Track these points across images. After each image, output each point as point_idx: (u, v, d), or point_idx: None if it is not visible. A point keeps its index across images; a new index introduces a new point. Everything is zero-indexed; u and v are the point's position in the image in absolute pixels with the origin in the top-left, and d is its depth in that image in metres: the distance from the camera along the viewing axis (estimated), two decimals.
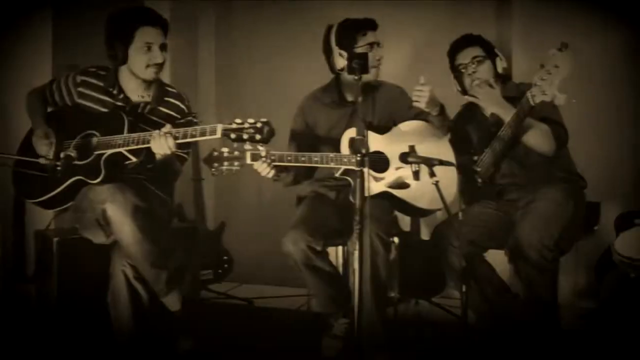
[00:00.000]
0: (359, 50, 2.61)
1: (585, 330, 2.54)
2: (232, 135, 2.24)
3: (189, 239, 3.34)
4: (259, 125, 2.23)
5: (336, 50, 2.71)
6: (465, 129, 2.79)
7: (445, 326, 3.04)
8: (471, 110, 2.77)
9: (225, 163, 2.49)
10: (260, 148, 2.41)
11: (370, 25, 2.70)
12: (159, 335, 2.50)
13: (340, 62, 2.71)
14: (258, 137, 2.23)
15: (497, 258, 2.66)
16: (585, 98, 2.19)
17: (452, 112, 2.82)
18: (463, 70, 2.66)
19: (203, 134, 2.29)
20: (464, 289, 2.16)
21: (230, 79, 3.96)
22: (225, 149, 2.50)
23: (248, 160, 2.49)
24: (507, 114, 2.45)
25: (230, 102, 3.89)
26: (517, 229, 2.49)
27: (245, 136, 2.23)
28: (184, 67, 3.92)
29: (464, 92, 2.69)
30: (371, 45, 2.66)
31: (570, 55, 2.13)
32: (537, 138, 2.47)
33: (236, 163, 2.49)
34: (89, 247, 2.48)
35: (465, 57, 2.66)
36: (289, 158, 2.52)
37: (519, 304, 2.54)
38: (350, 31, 2.69)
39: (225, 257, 3.48)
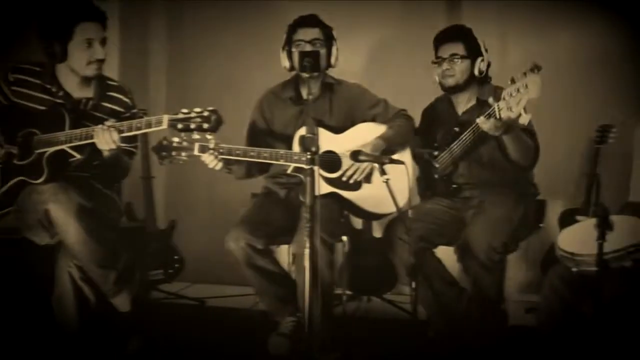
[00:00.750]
0: (299, 47, 2.62)
1: (531, 325, 2.61)
2: (179, 126, 2.20)
3: (138, 238, 3.30)
4: (206, 114, 2.20)
5: (281, 50, 2.71)
6: (433, 122, 2.82)
7: (396, 323, 3.08)
8: (443, 105, 2.81)
9: (173, 153, 2.46)
10: (209, 137, 2.37)
11: (309, 21, 2.69)
12: (108, 337, 2.45)
13: (284, 60, 2.70)
14: (206, 125, 2.19)
15: (447, 254, 2.72)
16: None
17: (424, 102, 2.86)
18: (440, 64, 2.67)
19: (148, 125, 2.25)
20: (413, 285, 2.19)
21: (182, 73, 3.89)
22: (175, 139, 2.47)
23: (196, 152, 2.46)
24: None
25: (182, 97, 3.83)
26: (467, 230, 2.54)
27: (192, 125, 2.20)
28: (134, 62, 3.84)
29: (439, 82, 2.72)
30: (312, 42, 2.65)
31: (540, 79, 2.13)
32: (521, 151, 2.49)
33: (184, 153, 2.46)
34: (33, 249, 2.40)
35: (445, 51, 2.67)
36: (237, 152, 2.50)
37: (466, 299, 2.60)
38: (291, 28, 2.69)
39: (176, 257, 3.43)
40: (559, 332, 2.00)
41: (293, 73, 2.77)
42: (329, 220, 2.49)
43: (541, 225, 2.76)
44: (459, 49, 2.65)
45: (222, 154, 2.47)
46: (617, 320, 1.81)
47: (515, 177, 2.65)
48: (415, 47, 3.46)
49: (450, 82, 2.67)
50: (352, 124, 2.73)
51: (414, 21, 3.53)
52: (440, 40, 2.70)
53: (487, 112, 2.34)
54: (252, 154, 2.52)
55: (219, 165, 2.50)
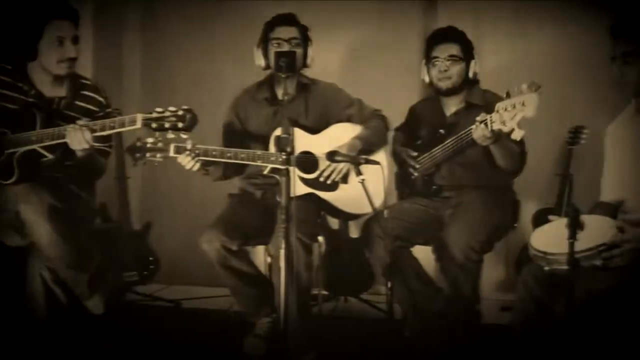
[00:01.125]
0: (277, 46, 2.60)
1: (507, 323, 2.64)
2: (154, 125, 2.18)
3: (112, 239, 3.25)
4: (180, 113, 2.18)
5: (255, 49, 2.69)
6: (418, 121, 2.82)
7: (373, 322, 3.08)
8: (432, 105, 2.81)
9: (148, 154, 2.43)
10: (184, 136, 2.32)
11: (287, 20, 2.68)
12: (81, 340, 2.42)
13: (259, 59, 2.69)
14: (180, 124, 2.18)
15: (424, 253, 2.73)
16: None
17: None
18: (436, 63, 2.65)
19: (122, 124, 2.22)
20: (389, 284, 2.20)
21: (157, 72, 3.85)
22: (149, 139, 2.44)
23: (171, 153, 2.44)
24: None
25: (157, 96, 3.79)
26: (446, 230, 2.56)
27: (167, 125, 2.18)
28: (108, 61, 3.79)
29: (430, 83, 2.71)
30: (289, 41, 2.64)
31: (537, 98, 2.13)
32: (508, 158, 2.51)
33: (159, 155, 2.43)
34: (4, 250, 2.36)
35: (442, 51, 2.64)
36: (214, 153, 2.48)
37: (442, 298, 2.62)
38: (268, 26, 2.68)
39: (151, 258, 3.39)
40: (533, 330, 2.02)
41: (268, 72, 2.76)
42: (306, 221, 2.49)
43: (515, 225, 2.79)
44: (455, 50, 2.64)
45: (198, 155, 2.45)
46: (589, 319, 1.84)
47: (494, 179, 2.66)
48: (392, 47, 3.49)
49: (447, 84, 2.65)
50: (328, 124, 2.72)
51: (391, 21, 3.54)
52: (436, 40, 2.68)
53: (479, 122, 2.32)
54: (229, 155, 2.50)
55: (196, 167, 2.47)
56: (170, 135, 2.25)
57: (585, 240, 1.80)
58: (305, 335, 2.46)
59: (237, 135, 2.74)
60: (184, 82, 3.74)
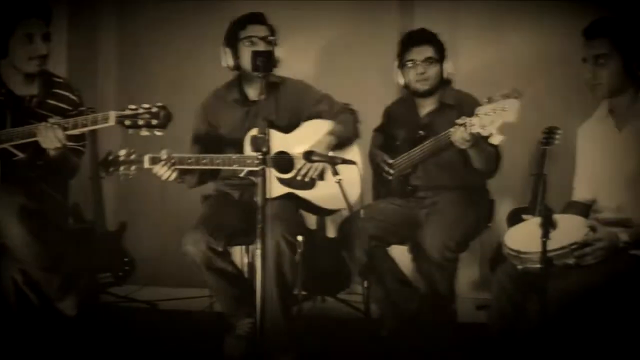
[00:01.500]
0: (251, 45, 2.56)
1: (482, 321, 2.67)
2: (127, 122, 2.15)
3: (86, 240, 3.21)
4: (154, 110, 2.15)
5: (223, 48, 2.64)
6: (394, 122, 2.83)
7: (350, 322, 3.09)
8: (406, 106, 2.82)
9: (121, 167, 2.40)
10: (158, 133, 2.24)
11: (258, 19, 2.64)
12: (53, 342, 2.38)
13: (228, 59, 2.63)
14: (154, 122, 2.15)
15: (400, 253, 2.74)
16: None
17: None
18: (413, 66, 2.66)
19: (95, 122, 2.19)
20: (366, 284, 2.21)
21: (132, 70, 3.81)
22: (121, 152, 2.40)
23: (146, 164, 2.40)
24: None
25: (132, 95, 3.73)
26: (421, 230, 2.57)
27: (140, 122, 2.15)
28: (82, 59, 3.74)
29: (406, 85, 2.72)
30: (262, 39, 2.59)
31: (519, 104, 2.15)
32: (484, 159, 2.52)
33: (133, 167, 2.40)
34: None
35: (418, 54, 2.66)
36: (189, 160, 2.45)
37: (418, 297, 2.64)
38: (238, 25, 2.63)
39: (126, 259, 3.35)
40: (508, 328, 2.04)
41: (236, 73, 2.71)
42: (289, 220, 2.49)
43: (489, 224, 2.82)
44: (431, 52, 2.66)
45: (174, 164, 2.42)
46: (562, 316, 1.86)
47: (469, 179, 2.68)
48: (367, 47, 3.50)
49: (425, 86, 2.67)
50: (299, 121, 2.70)
51: (366, 21, 3.54)
52: (410, 42, 2.70)
53: (459, 125, 2.32)
54: (204, 161, 2.47)
55: (173, 176, 2.45)
56: (145, 132, 2.21)
57: (558, 239, 1.83)
58: (285, 336, 2.45)
59: (208, 140, 2.70)
60: (160, 82, 3.70)
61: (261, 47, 2.57)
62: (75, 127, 2.21)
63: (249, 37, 2.60)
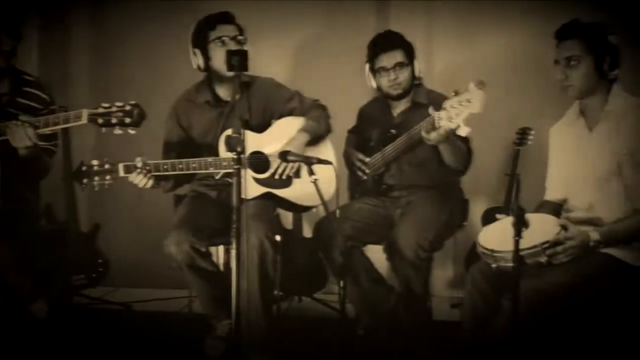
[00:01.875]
0: (223, 45, 2.53)
1: (456, 319, 2.69)
2: (100, 120, 2.13)
3: (58, 242, 3.16)
4: (127, 108, 2.13)
5: (192, 49, 2.60)
6: (368, 123, 2.83)
7: (327, 321, 3.09)
8: (379, 106, 2.82)
9: (96, 178, 2.37)
10: (132, 132, 2.21)
11: (228, 18, 2.60)
12: (25, 346, 2.34)
13: (199, 60, 2.59)
14: (128, 120, 2.13)
15: (376, 252, 2.75)
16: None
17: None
18: (384, 73, 2.66)
19: (67, 120, 2.16)
20: (342, 284, 2.21)
21: (105, 69, 3.75)
22: (94, 162, 2.37)
23: (121, 173, 2.38)
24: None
25: (105, 94, 3.68)
26: (396, 229, 2.59)
27: (114, 120, 2.12)
28: (54, 57, 3.69)
29: (379, 89, 2.73)
30: (233, 39, 2.56)
31: (483, 95, 2.17)
32: (456, 156, 2.53)
33: (108, 177, 2.37)
34: None
35: (388, 60, 2.65)
36: (165, 167, 2.43)
37: (394, 296, 2.65)
38: (207, 25, 2.58)
39: (100, 260, 3.30)
40: (482, 326, 2.07)
41: (205, 74, 2.67)
42: (268, 219, 2.49)
43: (464, 224, 2.84)
44: (400, 56, 2.66)
45: (150, 171, 2.39)
46: (535, 314, 1.89)
47: (442, 178, 2.71)
48: (342, 46, 3.50)
49: (398, 90, 2.69)
50: (271, 119, 2.69)
51: (342, 21, 3.55)
52: (379, 48, 2.69)
53: (428, 121, 2.34)
54: (180, 166, 2.44)
55: (149, 184, 2.42)
56: (118, 131, 2.18)
57: (530, 238, 1.85)
58: (264, 335, 2.45)
59: (181, 144, 2.67)
60: (134, 81, 3.66)
61: (232, 46, 2.53)
62: (46, 125, 2.17)
63: (219, 38, 2.56)
